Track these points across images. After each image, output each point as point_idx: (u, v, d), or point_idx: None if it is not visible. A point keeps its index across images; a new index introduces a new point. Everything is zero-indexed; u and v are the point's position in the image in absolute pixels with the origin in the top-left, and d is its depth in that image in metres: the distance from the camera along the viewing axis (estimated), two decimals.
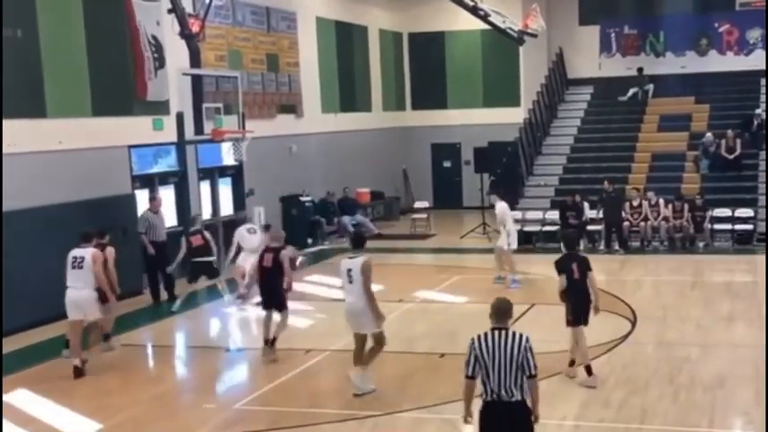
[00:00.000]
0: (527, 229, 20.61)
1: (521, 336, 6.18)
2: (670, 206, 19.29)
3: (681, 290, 15.50)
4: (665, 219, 19.20)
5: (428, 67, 27.88)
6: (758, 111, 23.00)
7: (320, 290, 16.03)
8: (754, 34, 25.92)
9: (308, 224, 21.09)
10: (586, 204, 19.80)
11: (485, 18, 20.22)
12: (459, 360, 10.55)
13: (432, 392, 9.91)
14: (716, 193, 20.26)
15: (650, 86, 25.66)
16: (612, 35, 27.17)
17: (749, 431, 8.84)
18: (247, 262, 14.45)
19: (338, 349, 11.66)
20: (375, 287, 14.68)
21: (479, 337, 6.21)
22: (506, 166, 22.55)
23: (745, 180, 21.12)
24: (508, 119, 25.20)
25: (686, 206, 19.27)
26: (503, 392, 6.07)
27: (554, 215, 20.34)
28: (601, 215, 19.48)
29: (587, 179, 21.89)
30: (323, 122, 23.31)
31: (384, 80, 27.02)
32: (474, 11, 20.12)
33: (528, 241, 20.26)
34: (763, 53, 25.49)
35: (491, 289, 15.34)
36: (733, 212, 19.55)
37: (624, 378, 10.21)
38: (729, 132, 21.79)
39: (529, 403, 6.20)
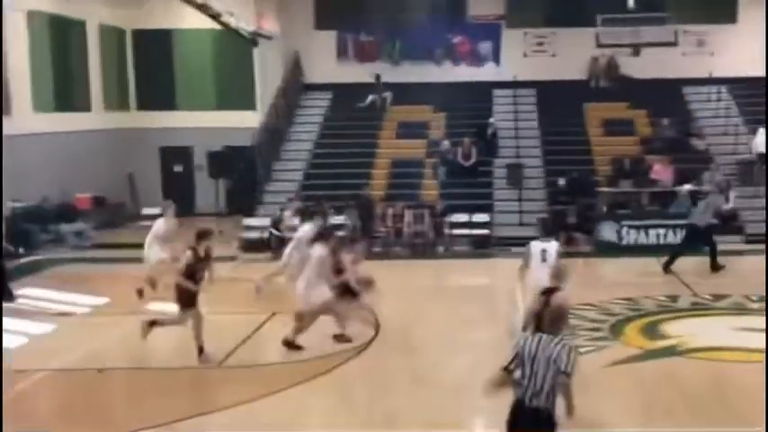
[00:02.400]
0: (267, 234, 20.44)
1: (562, 341, 6.38)
2: (411, 212, 19.98)
3: (423, 294, 16.02)
4: (408, 225, 19.89)
5: (155, 67, 26.89)
6: (491, 120, 24.53)
7: (40, 304, 14.82)
8: (485, 46, 27.59)
9: (20, 233, 19.48)
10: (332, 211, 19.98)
11: (215, 17, 19.83)
12: (196, 374, 10.43)
13: (164, 409, 9.40)
14: (454, 198, 21.27)
15: (388, 94, 26.50)
16: (349, 41, 27.78)
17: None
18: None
19: (60, 368, 10.75)
20: (101, 300, 13.92)
21: (527, 338, 6.40)
22: (244, 172, 22.26)
23: (481, 186, 22.42)
24: (244, 122, 24.87)
25: (427, 212, 20.04)
26: (531, 395, 6.28)
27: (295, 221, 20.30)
28: (350, 221, 19.73)
29: (329, 185, 22.16)
30: (36, 122, 21.71)
31: (105, 79, 25.73)
32: (202, 8, 19.66)
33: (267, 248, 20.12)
34: (494, 65, 27.25)
35: (229, 300, 14.99)
36: (470, 218, 20.65)
37: (370, 383, 10.28)
38: (465, 140, 23.03)
39: (555, 411, 6.33)
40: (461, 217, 20.59)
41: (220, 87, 26.77)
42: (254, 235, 20.72)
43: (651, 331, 12.85)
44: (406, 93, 26.40)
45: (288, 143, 25.20)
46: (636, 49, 24.19)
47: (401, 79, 26.79)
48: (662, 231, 19.98)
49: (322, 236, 12.44)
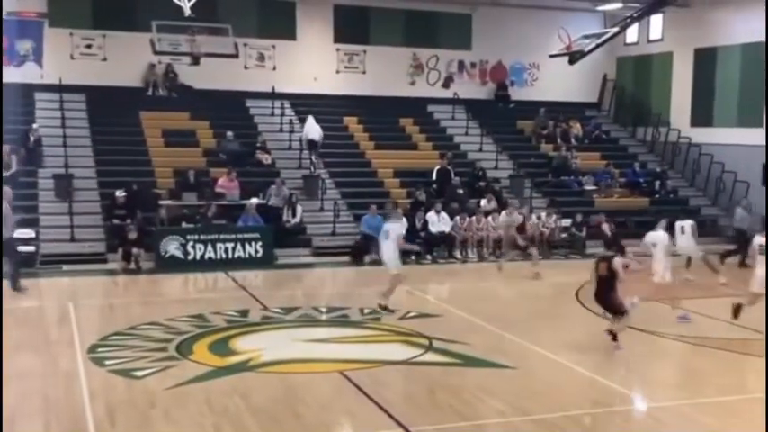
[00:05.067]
0: None
1: None
2: None
3: None
4: None
5: None
6: (35, 126, 23.13)
7: None
8: (26, 45, 25.85)
9: None
10: None
11: None
12: None
13: None
14: None
15: None
16: None
17: None
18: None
19: None
20: None
21: None
22: None
23: (25, 199, 20.83)
24: None
25: None
26: None
27: None
28: None
29: None
30: None
31: None
32: None
33: None
34: (36, 66, 25.57)
35: None
36: None
37: None
38: (5, 148, 21.47)
39: None
40: None
41: None
42: None
43: (221, 348, 12.85)
44: None
45: None
46: (195, 58, 24.23)
47: None
48: (230, 245, 20.24)
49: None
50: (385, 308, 15.21)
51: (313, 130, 25.20)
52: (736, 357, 12.77)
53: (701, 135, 27.62)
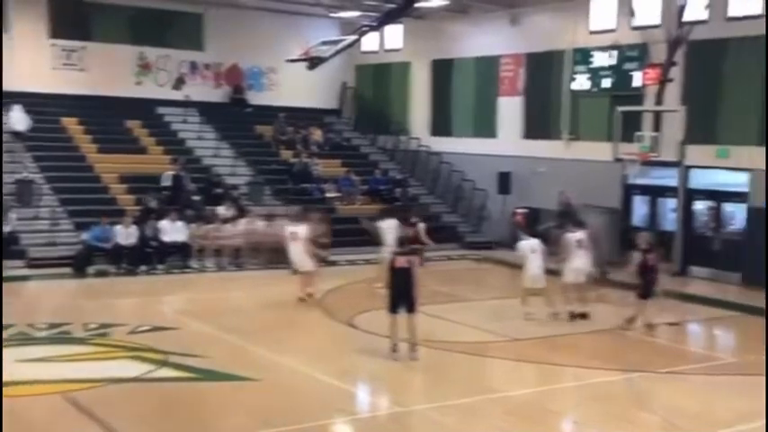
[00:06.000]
0: None
1: None
2: None
3: None
4: None
5: None
6: None
7: None
8: None
9: None
10: None
11: None
12: None
13: None
14: None
15: None
16: None
17: None
18: None
19: None
20: None
21: None
22: None
23: None
24: None
25: None
26: None
27: None
28: None
29: None
30: None
31: None
32: None
33: None
34: None
35: None
36: None
37: None
38: None
39: None
40: None
41: None
42: None
43: None
44: None
45: None
46: None
47: None
48: None
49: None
50: (310, 295, 16.88)
51: (18, 119, 23.90)
52: (477, 360, 13.20)
53: (441, 144, 28.51)
